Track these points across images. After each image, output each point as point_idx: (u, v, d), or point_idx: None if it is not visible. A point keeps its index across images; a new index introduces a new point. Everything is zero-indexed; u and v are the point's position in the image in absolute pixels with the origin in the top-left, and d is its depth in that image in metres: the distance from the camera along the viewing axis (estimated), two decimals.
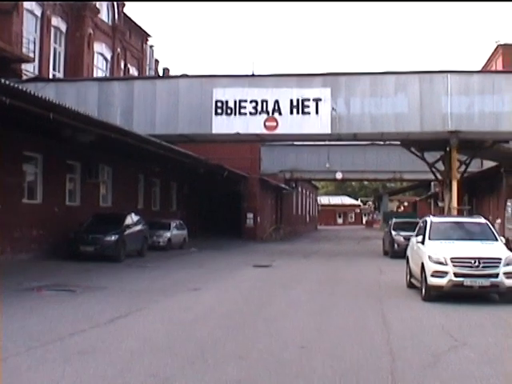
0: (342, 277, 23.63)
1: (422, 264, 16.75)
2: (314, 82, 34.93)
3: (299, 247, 46.69)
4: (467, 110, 33.87)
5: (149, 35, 57.85)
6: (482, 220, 19.02)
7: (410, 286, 19.29)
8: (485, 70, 35.75)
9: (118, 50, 49.09)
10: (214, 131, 34.93)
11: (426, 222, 18.91)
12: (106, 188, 36.27)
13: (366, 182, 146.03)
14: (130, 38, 52.47)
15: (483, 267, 15.78)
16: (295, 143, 61.89)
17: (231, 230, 52.41)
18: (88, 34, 40.92)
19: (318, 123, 34.32)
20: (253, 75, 36.16)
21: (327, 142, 61.04)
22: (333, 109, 33.93)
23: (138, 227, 31.58)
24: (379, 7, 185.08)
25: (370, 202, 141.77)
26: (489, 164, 49.12)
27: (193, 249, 37.98)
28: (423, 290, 16.66)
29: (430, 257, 16.37)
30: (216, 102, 34.74)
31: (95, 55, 43.40)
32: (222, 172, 44.23)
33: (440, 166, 39.03)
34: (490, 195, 54.31)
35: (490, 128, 33.82)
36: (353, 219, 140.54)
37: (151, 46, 61.84)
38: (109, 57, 46.69)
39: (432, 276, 16.09)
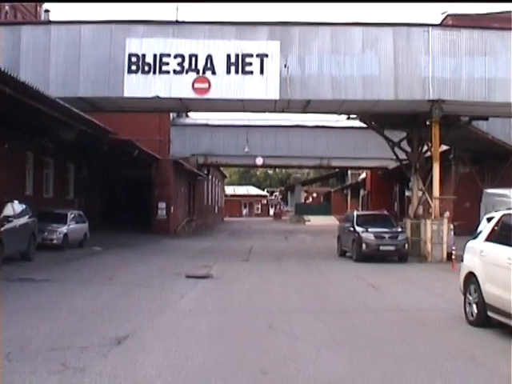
0: (335, 300, 15.64)
1: None
2: (259, 32, 27.20)
3: (223, 244, 38.52)
4: (453, 75, 27.04)
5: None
6: None
7: (483, 324, 11.49)
8: (475, 25, 28.78)
9: (6, 8, 40.30)
10: (127, 94, 26.83)
11: None
12: None
13: (270, 172, 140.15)
14: None
15: None
16: (210, 123, 54.33)
17: (140, 223, 43.76)
18: None
19: (262, 86, 26.78)
20: (178, 22, 27.89)
21: (246, 123, 53.96)
22: (285, 66, 26.14)
23: (23, 220, 22.72)
24: None
25: (277, 193, 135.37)
26: None
27: (96, 248, 29.26)
28: None
29: None
30: (130, 56, 26.81)
31: None
32: (131, 150, 35.40)
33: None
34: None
35: (481, 98, 27.10)
36: (259, 211, 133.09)
37: (46, 11, 53.69)
38: None
39: None
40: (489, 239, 11.85)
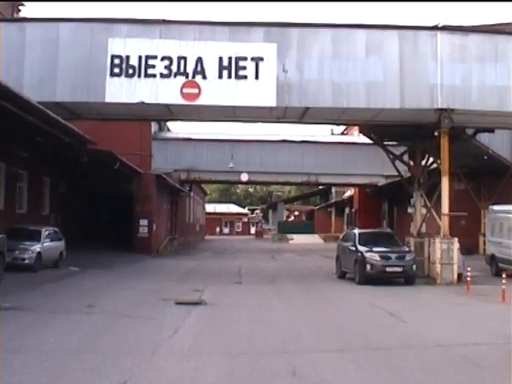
0: (356, 334, 13.16)
1: None
2: (254, 34, 25.03)
3: (210, 264, 36.06)
4: (463, 82, 25.02)
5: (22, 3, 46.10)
6: None
7: None
8: (485, 29, 26.80)
9: None
10: (108, 99, 24.52)
11: None
12: None
13: (251, 190, 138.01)
14: None
15: None
16: (192, 137, 51.97)
17: (120, 240, 41.17)
18: None
19: (258, 92, 24.64)
20: (166, 21, 25.47)
21: (230, 137, 51.70)
22: (283, 70, 23.94)
23: None
24: None
25: (258, 211, 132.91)
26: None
27: (73, 268, 26.74)
28: None
29: None
30: (112, 57, 24.53)
31: None
32: (112, 163, 32.93)
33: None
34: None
35: (492, 107, 25.21)
36: (240, 229, 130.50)
37: (19, 10, 50.80)
38: None
39: None
40: None
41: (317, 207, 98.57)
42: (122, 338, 11.71)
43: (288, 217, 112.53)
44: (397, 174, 31.66)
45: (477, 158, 35.60)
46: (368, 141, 35.73)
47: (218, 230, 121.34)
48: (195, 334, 12.62)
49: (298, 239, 76.40)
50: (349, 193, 72.38)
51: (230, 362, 9.86)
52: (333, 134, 71.61)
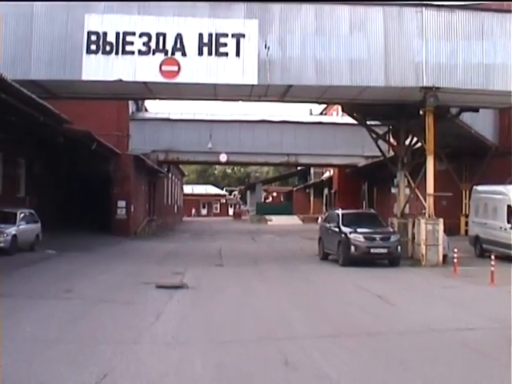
0: (346, 319, 12.70)
1: None
2: (235, 10, 24.34)
3: (189, 246, 35.51)
4: (448, 60, 24.46)
5: None
6: None
7: None
8: (471, 6, 26.18)
9: None
10: (85, 77, 23.73)
11: None
12: None
13: (229, 171, 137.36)
14: None
15: None
16: (171, 117, 51.20)
17: (97, 223, 40.43)
18: None
19: (239, 69, 24.04)
20: None
21: (209, 118, 51.05)
22: (265, 46, 23.30)
23: None
24: None
25: (236, 192, 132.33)
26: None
27: (50, 251, 26.02)
28: None
29: None
30: (89, 34, 23.66)
31: None
32: (89, 143, 32.16)
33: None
34: None
35: (478, 85, 24.55)
36: (218, 210, 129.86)
37: None
38: None
39: None
40: None
41: (295, 188, 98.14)
42: (101, 326, 11.11)
43: (266, 198, 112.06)
44: (377, 154, 31.26)
45: (459, 138, 35.24)
46: (348, 121, 35.31)
47: (195, 211, 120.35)
48: (178, 319, 12.05)
49: (276, 220, 75.84)
50: (327, 174, 71.95)
51: (218, 351, 9.31)
52: (311, 114, 71.10)
